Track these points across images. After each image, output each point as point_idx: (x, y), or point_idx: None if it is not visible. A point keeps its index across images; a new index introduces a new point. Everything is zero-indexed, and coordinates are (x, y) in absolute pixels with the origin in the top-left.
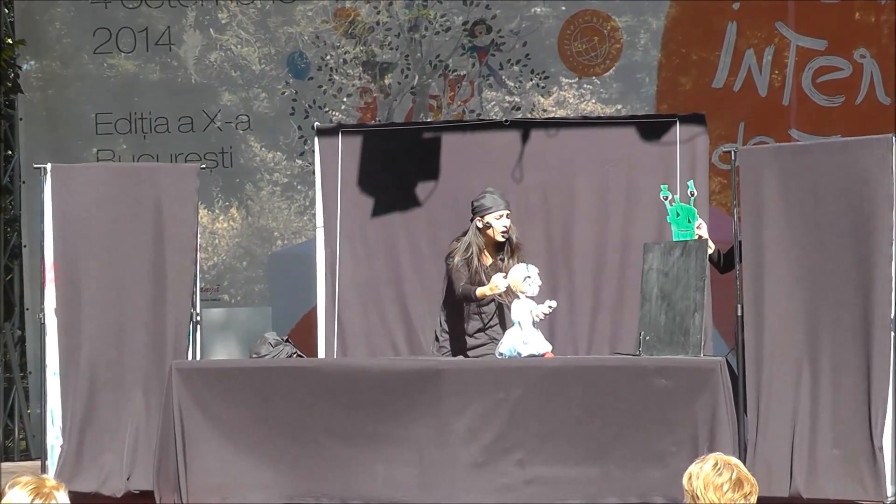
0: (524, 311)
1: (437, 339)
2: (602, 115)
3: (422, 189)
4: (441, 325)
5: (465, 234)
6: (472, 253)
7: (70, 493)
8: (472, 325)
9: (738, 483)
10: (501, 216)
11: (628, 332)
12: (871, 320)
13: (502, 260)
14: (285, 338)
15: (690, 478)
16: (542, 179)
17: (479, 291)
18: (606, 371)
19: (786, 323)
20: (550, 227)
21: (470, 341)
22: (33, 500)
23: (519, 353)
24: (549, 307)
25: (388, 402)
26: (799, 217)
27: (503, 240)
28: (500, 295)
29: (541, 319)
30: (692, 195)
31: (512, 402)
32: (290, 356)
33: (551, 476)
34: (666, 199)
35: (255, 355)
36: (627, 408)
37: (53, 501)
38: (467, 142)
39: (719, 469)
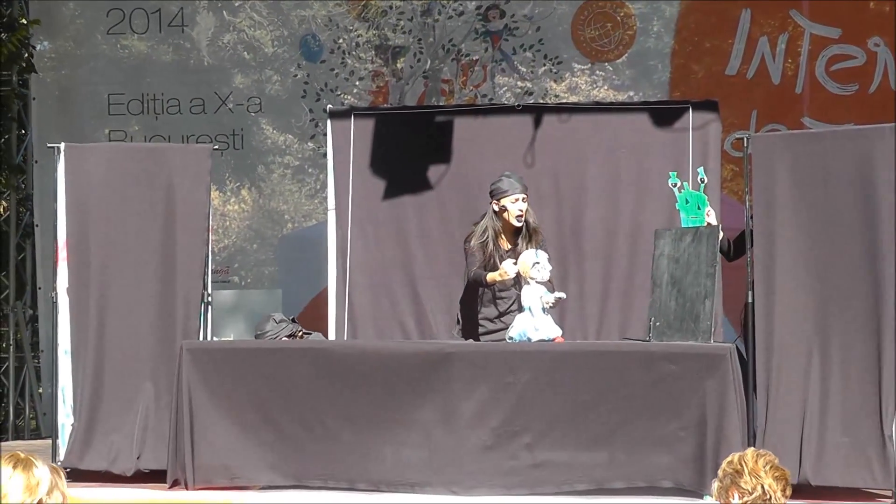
0: (534, 297)
1: (458, 321)
2: (614, 101)
3: (433, 172)
4: (460, 309)
5: (481, 218)
6: (487, 237)
7: (80, 471)
8: (489, 310)
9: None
10: (517, 199)
11: (638, 317)
12: (881, 309)
13: (517, 244)
14: (291, 317)
15: (741, 466)
16: (554, 165)
17: (489, 276)
18: (616, 356)
19: (796, 310)
20: (561, 212)
21: (488, 326)
22: (14, 468)
23: (529, 338)
24: (557, 298)
25: (397, 385)
26: (810, 205)
27: (519, 224)
28: (512, 281)
29: (550, 307)
30: (702, 182)
31: (521, 386)
32: (294, 335)
33: (559, 460)
34: (675, 186)
35: (258, 332)
36: (636, 393)
37: (34, 469)
38: (479, 126)
39: (759, 453)
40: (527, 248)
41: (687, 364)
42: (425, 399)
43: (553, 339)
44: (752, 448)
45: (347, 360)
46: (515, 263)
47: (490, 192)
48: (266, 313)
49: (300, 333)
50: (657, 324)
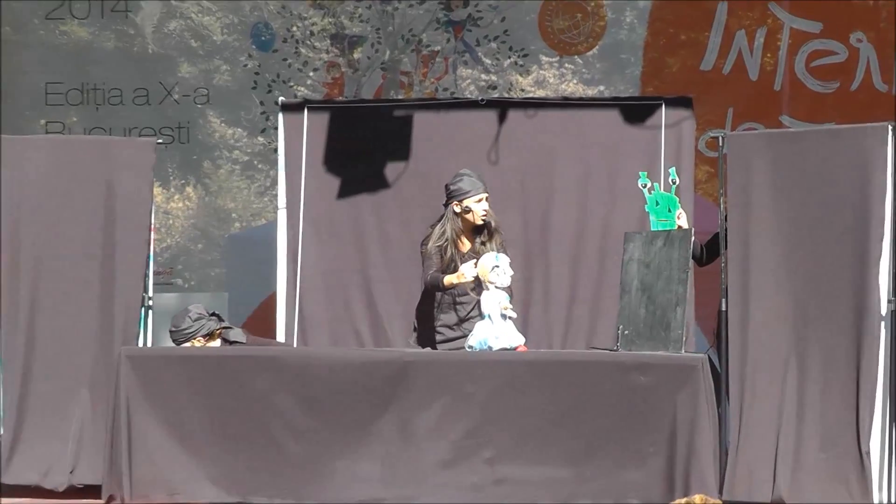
0: (493, 304)
1: (414, 328)
2: (584, 96)
3: (391, 170)
4: (416, 315)
5: (439, 219)
6: (447, 240)
7: (7, 486)
8: (449, 317)
9: None
10: (481, 199)
11: (606, 325)
12: (861, 318)
13: (483, 244)
14: (210, 311)
15: None
16: (519, 163)
17: (447, 279)
18: (582, 366)
19: (772, 319)
20: (527, 213)
21: (447, 333)
22: None
23: (490, 347)
24: (510, 317)
25: (350, 395)
26: (788, 208)
27: (483, 223)
28: (471, 285)
29: (507, 318)
30: (674, 183)
31: (482, 397)
32: (212, 332)
33: (522, 476)
34: (644, 186)
35: (173, 329)
36: (604, 405)
37: None
38: (440, 121)
39: (707, 500)
40: (487, 248)
41: (657, 375)
42: (380, 410)
43: (515, 348)
44: (701, 495)
45: (298, 369)
46: (475, 267)
47: (449, 193)
48: (183, 307)
49: (219, 330)
50: (626, 332)
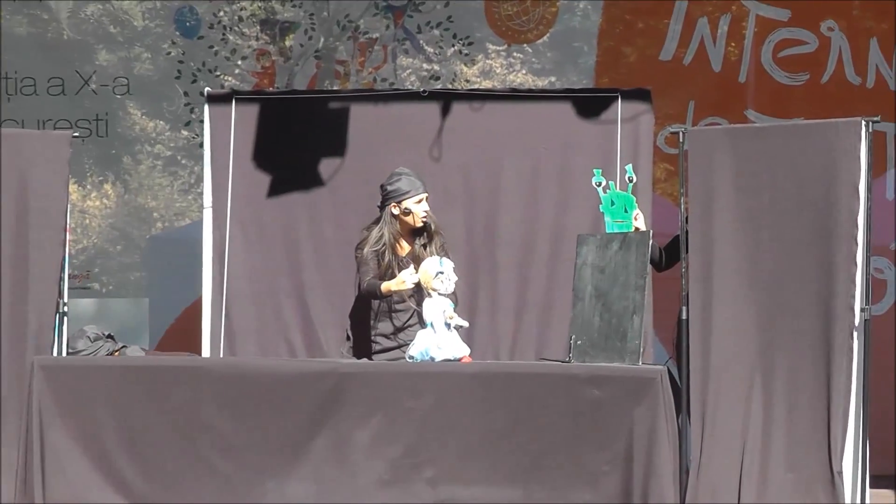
0: (436, 312)
1: (347, 337)
2: (534, 87)
3: (326, 166)
4: (351, 323)
5: (376, 221)
6: (384, 244)
7: None
8: (385, 325)
9: None
10: (421, 200)
11: (557, 335)
12: (832, 329)
13: (423, 247)
14: (106, 333)
15: None
16: (464, 159)
17: (385, 286)
18: (532, 379)
19: (736, 328)
20: (472, 213)
21: (383, 342)
22: None
23: (432, 358)
24: (459, 325)
25: (282, 409)
26: (754, 209)
27: (423, 225)
28: (411, 292)
29: (453, 326)
30: (630, 181)
31: (423, 412)
32: (112, 353)
33: (467, 497)
34: (599, 185)
35: (70, 351)
36: (555, 421)
37: None
38: (379, 114)
39: None
40: (427, 252)
41: (612, 389)
42: (314, 426)
43: (459, 359)
44: None
45: (224, 381)
46: (416, 273)
47: (386, 194)
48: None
49: (116, 352)
50: (579, 342)
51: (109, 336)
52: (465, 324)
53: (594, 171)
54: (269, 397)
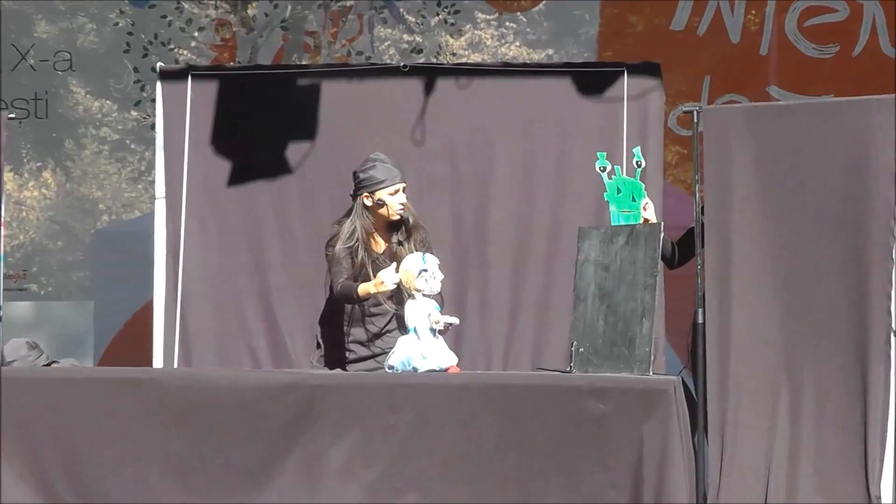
0: (420, 315)
1: (318, 345)
2: (528, 61)
3: (294, 151)
4: (322, 329)
5: (348, 214)
6: (357, 240)
7: None
8: (360, 331)
9: None
10: (397, 191)
11: (557, 341)
12: (867, 333)
13: (399, 244)
14: (32, 342)
15: None
16: (450, 143)
17: (362, 288)
18: (527, 391)
19: (759, 333)
20: (459, 204)
21: (359, 351)
22: None
23: (415, 368)
24: (448, 323)
25: (244, 427)
26: (778, 198)
27: (398, 218)
28: (389, 294)
29: (444, 329)
30: (638, 166)
31: (404, 429)
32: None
33: None
34: (603, 170)
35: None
36: (553, 440)
37: None
38: (353, 92)
39: None
40: (405, 249)
41: (619, 402)
42: (282, 445)
43: (446, 369)
44: None
45: (179, 395)
46: (397, 271)
47: (358, 183)
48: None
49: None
50: (581, 350)
51: (35, 346)
52: (455, 320)
53: (597, 154)
54: (229, 414)
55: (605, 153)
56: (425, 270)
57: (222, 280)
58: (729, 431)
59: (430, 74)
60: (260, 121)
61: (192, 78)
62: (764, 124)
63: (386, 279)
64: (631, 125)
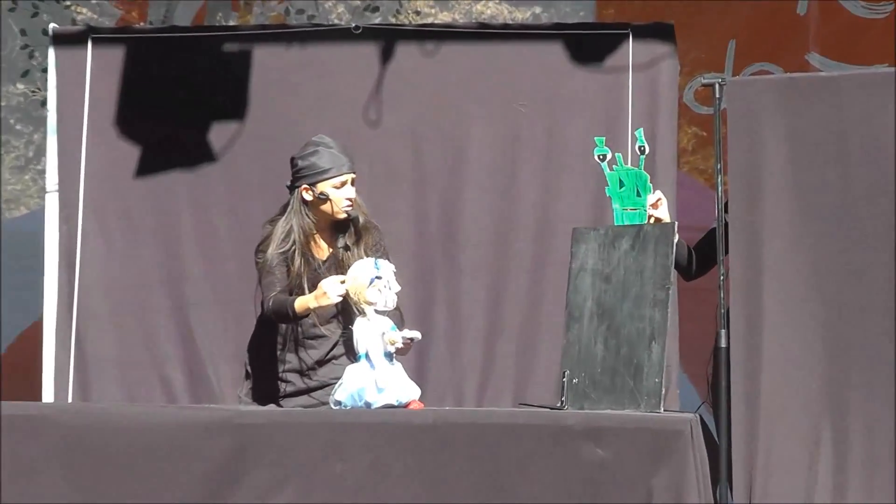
0: (372, 337)
1: (247, 375)
2: (510, 21)
3: (219, 134)
4: (251, 356)
5: (283, 211)
6: (294, 243)
7: None
8: (296, 359)
9: None
10: (345, 183)
11: (545, 369)
12: None
13: (346, 248)
14: None
15: None
16: (413, 123)
17: (299, 304)
18: (508, 433)
19: (795, 360)
20: (424, 199)
21: (297, 383)
22: None
23: (367, 403)
24: (408, 339)
25: (156, 478)
26: (819, 191)
27: (345, 217)
28: (334, 311)
29: (398, 350)
30: (641, 152)
31: (354, 480)
32: None
33: None
34: (603, 159)
35: None
36: (541, 492)
37: None
38: (293, 60)
39: None
40: (352, 255)
41: (622, 447)
42: (205, 497)
43: (406, 405)
44: None
45: (74, 436)
46: (342, 282)
47: (296, 172)
48: None
49: None
50: (575, 381)
51: None
52: (417, 335)
53: (596, 139)
54: (137, 461)
55: (604, 138)
56: (378, 279)
57: (128, 294)
58: (759, 482)
59: (387, 38)
60: (176, 96)
61: (92, 43)
62: (802, 101)
63: (329, 291)
64: (638, 101)
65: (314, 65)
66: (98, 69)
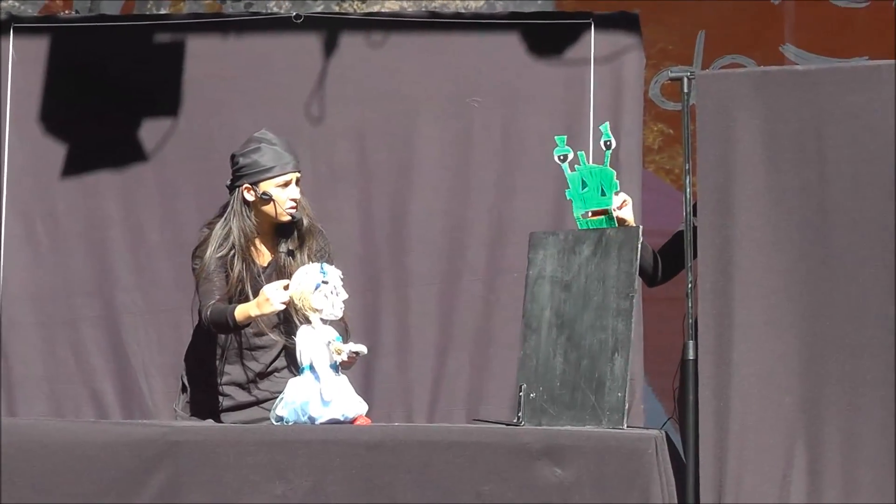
0: (317, 346)
1: (183, 388)
2: (463, 9)
3: (150, 131)
4: (188, 368)
5: (222, 212)
6: (233, 247)
7: None
8: (238, 370)
9: None
10: (289, 183)
11: (500, 383)
12: None
13: (290, 254)
14: None
15: None
16: (359, 119)
17: (240, 312)
18: (460, 451)
19: (768, 373)
20: (370, 201)
21: (237, 396)
22: None
23: (311, 418)
24: (353, 353)
25: (86, 495)
26: (795, 193)
27: (289, 219)
28: (277, 319)
29: (348, 360)
30: (607, 147)
31: (299, 499)
32: None
33: None
34: (564, 159)
35: None
36: None
37: None
38: (229, 51)
39: None
40: (296, 261)
41: (582, 466)
42: None
43: (353, 420)
44: None
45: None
46: (286, 288)
47: (237, 171)
48: None
49: None
50: (532, 395)
51: None
52: (363, 349)
53: (556, 139)
54: (65, 479)
55: (565, 137)
56: (325, 284)
57: (55, 303)
58: (728, 502)
59: (331, 27)
60: (104, 90)
61: (14, 32)
62: (777, 95)
63: (273, 297)
64: (600, 96)
65: (252, 57)
66: (21, 60)
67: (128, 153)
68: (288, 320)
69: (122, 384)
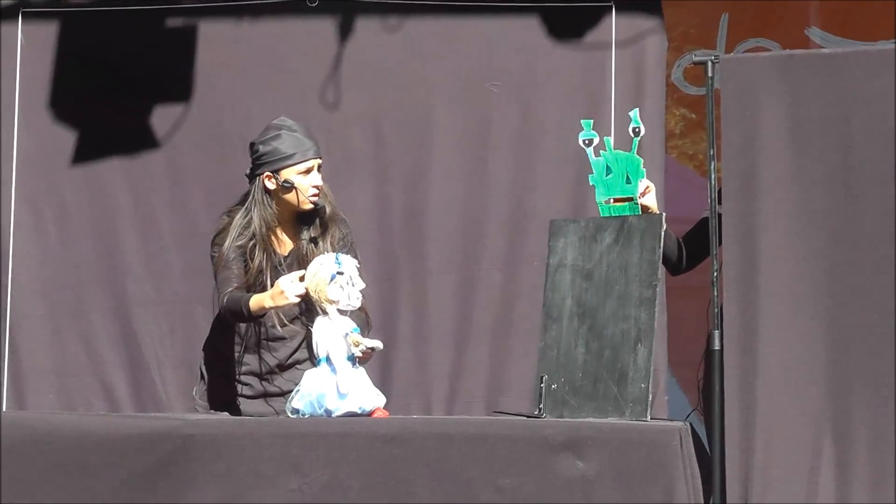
0: (334, 338)
1: (201, 376)
2: None
3: (161, 118)
4: (206, 357)
5: (243, 201)
6: (254, 236)
7: None
8: (255, 361)
9: None
10: (311, 170)
11: (520, 375)
12: None
13: (312, 242)
14: None
15: None
16: (374, 107)
17: (255, 302)
18: (480, 444)
19: (794, 363)
20: (387, 189)
21: (255, 386)
22: None
23: (328, 411)
24: (370, 348)
25: (98, 489)
26: (822, 179)
27: (311, 207)
28: (296, 310)
29: (362, 356)
30: (636, 133)
31: (314, 495)
32: None
33: None
34: (589, 143)
35: None
36: None
37: None
38: (243, 37)
39: None
40: (318, 249)
41: (605, 459)
42: None
43: (370, 413)
44: None
45: (8, 448)
46: (302, 279)
47: (257, 159)
48: None
49: None
50: (554, 387)
51: None
52: (378, 344)
53: (582, 122)
54: (76, 474)
55: (591, 121)
56: (341, 275)
57: (65, 293)
58: (755, 496)
59: (346, 12)
60: (115, 77)
61: (23, 17)
62: (802, 79)
63: (287, 290)
64: (621, 81)
65: (266, 42)
66: (30, 47)
67: (138, 141)
68: (310, 311)
69: (133, 376)
